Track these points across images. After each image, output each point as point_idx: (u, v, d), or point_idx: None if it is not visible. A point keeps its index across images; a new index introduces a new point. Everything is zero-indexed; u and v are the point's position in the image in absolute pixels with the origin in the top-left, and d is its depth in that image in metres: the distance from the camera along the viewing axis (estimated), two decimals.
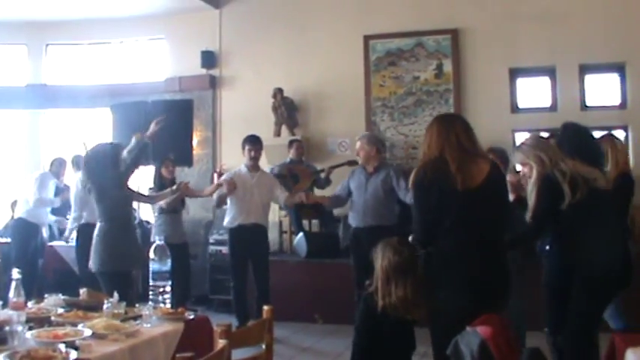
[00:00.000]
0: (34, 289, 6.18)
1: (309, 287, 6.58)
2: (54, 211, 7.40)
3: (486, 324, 2.50)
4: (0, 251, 7.33)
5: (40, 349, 2.22)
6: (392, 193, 5.53)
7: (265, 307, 2.82)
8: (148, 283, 3.28)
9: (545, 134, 5.48)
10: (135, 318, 2.87)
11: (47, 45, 9.29)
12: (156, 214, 6.26)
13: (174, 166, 6.46)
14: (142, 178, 6.85)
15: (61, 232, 7.50)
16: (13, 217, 7.50)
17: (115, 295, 3.01)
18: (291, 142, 7.47)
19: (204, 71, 8.50)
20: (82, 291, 3.43)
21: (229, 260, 6.10)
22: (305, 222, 7.35)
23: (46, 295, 3.26)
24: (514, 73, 7.56)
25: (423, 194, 2.91)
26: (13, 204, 7.61)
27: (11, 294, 2.63)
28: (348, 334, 3.12)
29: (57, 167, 7.33)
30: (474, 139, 2.98)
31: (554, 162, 3.43)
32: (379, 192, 5.49)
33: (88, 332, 2.49)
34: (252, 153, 5.97)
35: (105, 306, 2.90)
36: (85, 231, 5.94)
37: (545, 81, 7.53)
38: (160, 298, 3.20)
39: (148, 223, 7.34)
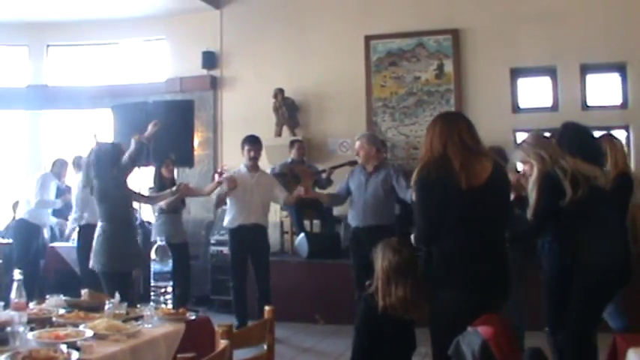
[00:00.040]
0: (35, 289, 6.19)
1: (311, 288, 6.58)
2: (55, 213, 7.41)
3: (487, 324, 2.50)
4: (1, 252, 7.35)
5: (41, 350, 2.22)
6: (392, 193, 5.52)
7: (267, 308, 2.82)
8: (150, 283, 3.28)
9: (546, 134, 5.48)
10: (136, 319, 2.87)
11: (48, 46, 9.30)
12: (156, 213, 6.27)
13: (175, 166, 6.46)
14: (142, 178, 6.87)
15: (62, 234, 7.50)
16: (14, 218, 7.51)
17: (117, 295, 3.01)
18: (292, 143, 7.47)
19: (205, 72, 8.51)
20: (84, 292, 3.43)
21: (230, 260, 6.11)
22: (306, 222, 7.35)
23: (47, 296, 3.26)
24: (515, 73, 7.56)
25: (427, 193, 2.87)
26: (15, 205, 7.62)
27: (13, 295, 2.63)
28: (349, 334, 3.12)
29: (58, 168, 7.33)
30: (477, 138, 2.94)
31: (554, 159, 3.43)
32: (379, 191, 5.49)
33: (89, 333, 2.49)
34: (252, 153, 5.98)
35: (106, 307, 2.90)
36: (86, 232, 5.94)
37: (546, 81, 7.54)
38: (162, 298, 3.20)
39: (149, 223, 7.35)
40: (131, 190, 4.90)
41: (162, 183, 6.22)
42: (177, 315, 2.99)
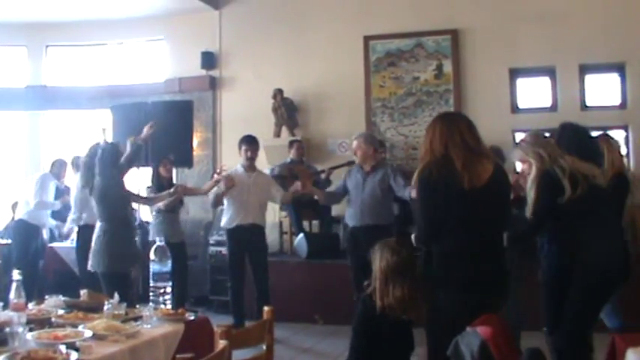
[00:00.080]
0: (34, 290, 6.18)
1: (310, 288, 6.58)
2: (54, 215, 7.39)
3: (486, 324, 2.50)
4: (1, 253, 7.34)
5: (40, 351, 2.22)
6: (389, 193, 5.51)
7: (266, 308, 2.82)
8: (149, 284, 3.28)
9: (545, 134, 5.48)
10: (135, 319, 2.87)
11: (47, 46, 9.30)
12: (154, 213, 6.26)
13: (172, 165, 6.46)
14: (140, 178, 6.86)
15: (61, 235, 7.50)
16: (13, 218, 7.50)
17: (116, 296, 3.01)
18: (291, 143, 7.47)
19: (204, 72, 8.51)
20: (83, 292, 3.43)
21: (228, 260, 6.11)
22: (305, 223, 7.35)
23: (46, 297, 3.26)
24: (514, 74, 7.56)
25: (429, 193, 2.87)
26: (14, 205, 7.61)
27: (12, 295, 2.63)
28: (348, 334, 3.12)
29: (57, 168, 7.32)
30: (478, 138, 2.93)
31: (553, 158, 3.43)
32: (376, 191, 5.48)
33: (88, 333, 2.49)
34: (249, 153, 5.98)
35: (105, 307, 2.90)
36: (84, 232, 5.94)
37: (545, 81, 7.54)
38: (161, 299, 3.20)
39: (148, 223, 7.34)
40: (129, 191, 4.91)
41: (160, 183, 6.21)
42: (177, 315, 2.99)
